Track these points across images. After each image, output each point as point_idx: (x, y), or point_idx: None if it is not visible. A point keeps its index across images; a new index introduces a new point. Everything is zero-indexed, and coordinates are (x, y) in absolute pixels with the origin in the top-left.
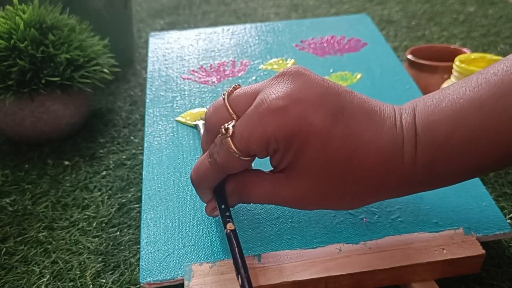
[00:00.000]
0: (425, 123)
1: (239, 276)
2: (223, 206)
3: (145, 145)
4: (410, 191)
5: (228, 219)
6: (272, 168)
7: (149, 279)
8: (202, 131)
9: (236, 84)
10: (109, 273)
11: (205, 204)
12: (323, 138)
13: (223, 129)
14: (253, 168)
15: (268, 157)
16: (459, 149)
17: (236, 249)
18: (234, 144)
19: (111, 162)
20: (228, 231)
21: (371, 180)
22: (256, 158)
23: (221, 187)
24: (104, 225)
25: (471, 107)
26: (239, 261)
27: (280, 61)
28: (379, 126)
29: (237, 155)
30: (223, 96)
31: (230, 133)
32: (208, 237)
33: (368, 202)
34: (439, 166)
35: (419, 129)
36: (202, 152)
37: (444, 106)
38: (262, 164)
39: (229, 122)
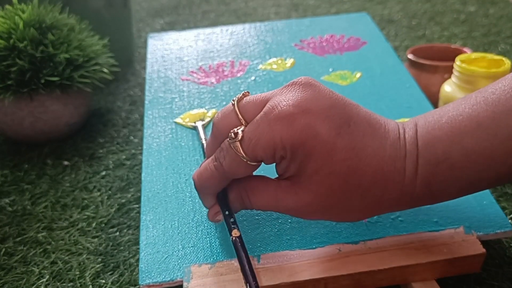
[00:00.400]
0: (425, 138)
1: (247, 284)
2: (227, 212)
3: (144, 146)
4: (410, 205)
5: (233, 226)
6: (277, 176)
7: (148, 281)
8: (201, 132)
9: (245, 91)
10: (109, 273)
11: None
12: (328, 150)
13: (232, 134)
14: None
15: (273, 165)
16: (457, 165)
17: (243, 256)
18: (242, 148)
19: (111, 162)
20: (234, 238)
21: (373, 193)
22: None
23: (224, 193)
24: (103, 225)
25: (469, 124)
26: (247, 268)
27: (279, 61)
28: (383, 139)
29: (245, 160)
30: (233, 102)
31: (240, 137)
32: (207, 239)
33: (369, 216)
34: (437, 181)
35: (420, 143)
36: (202, 155)
37: (443, 122)
38: (266, 172)
39: (239, 127)
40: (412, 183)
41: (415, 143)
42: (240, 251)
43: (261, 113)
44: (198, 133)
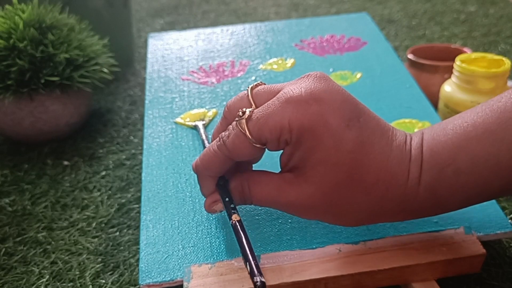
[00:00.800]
0: (430, 144)
1: (247, 263)
2: (227, 199)
3: (144, 146)
4: (414, 213)
5: (233, 211)
6: (280, 169)
7: (148, 281)
8: (202, 132)
9: (260, 81)
10: (109, 273)
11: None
12: (336, 140)
13: (240, 112)
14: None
15: (276, 165)
16: (462, 171)
17: (243, 237)
18: (248, 127)
19: (111, 162)
20: (234, 221)
21: (375, 191)
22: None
23: (224, 182)
24: (103, 225)
25: (475, 130)
26: (247, 248)
27: (280, 61)
28: (390, 141)
29: (250, 141)
30: (247, 89)
31: (247, 116)
32: (208, 238)
33: (368, 221)
34: (442, 187)
35: (425, 149)
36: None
37: (449, 129)
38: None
39: (248, 108)
40: (415, 189)
41: (420, 149)
42: (240, 234)
43: (274, 98)
44: (198, 132)
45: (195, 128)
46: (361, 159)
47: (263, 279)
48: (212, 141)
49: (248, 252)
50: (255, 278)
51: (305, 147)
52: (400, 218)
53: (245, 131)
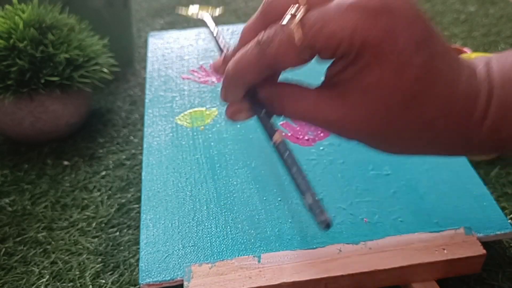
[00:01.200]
0: (500, 77)
1: (302, 194)
2: (264, 111)
3: (144, 145)
4: (467, 150)
5: (273, 128)
6: (324, 77)
7: (148, 280)
8: (210, 23)
9: None
10: (109, 273)
11: (227, 111)
12: (401, 62)
13: (289, 13)
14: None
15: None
16: None
17: (294, 167)
18: (300, 33)
19: (111, 162)
20: (277, 142)
21: (433, 129)
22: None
23: (254, 92)
24: (103, 225)
25: None
26: (301, 179)
27: None
28: (461, 70)
29: (298, 50)
30: None
31: (298, 19)
32: (208, 238)
33: (416, 152)
34: (507, 128)
35: (496, 82)
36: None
37: None
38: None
39: (301, 8)
40: (480, 123)
41: (490, 84)
42: (288, 160)
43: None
44: (206, 25)
45: (202, 19)
46: (425, 90)
47: (328, 218)
48: (241, 41)
49: (305, 186)
50: (321, 216)
51: (362, 64)
52: (455, 152)
53: (295, 38)
